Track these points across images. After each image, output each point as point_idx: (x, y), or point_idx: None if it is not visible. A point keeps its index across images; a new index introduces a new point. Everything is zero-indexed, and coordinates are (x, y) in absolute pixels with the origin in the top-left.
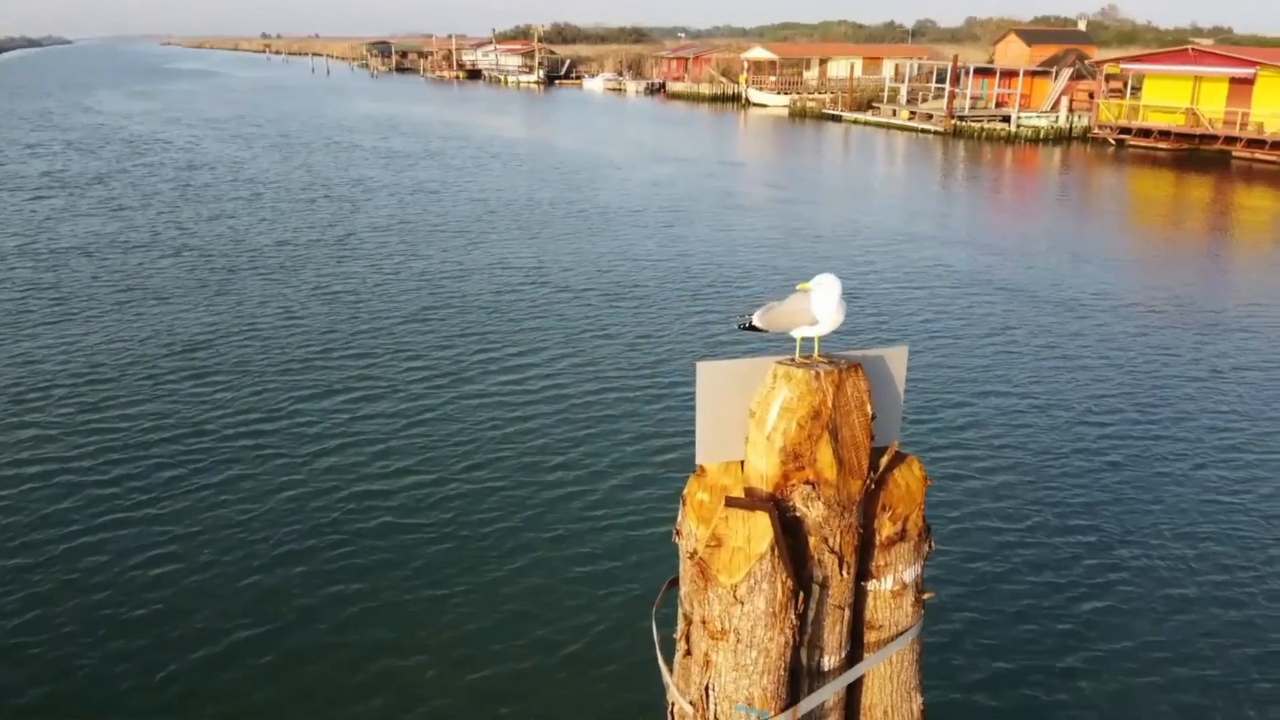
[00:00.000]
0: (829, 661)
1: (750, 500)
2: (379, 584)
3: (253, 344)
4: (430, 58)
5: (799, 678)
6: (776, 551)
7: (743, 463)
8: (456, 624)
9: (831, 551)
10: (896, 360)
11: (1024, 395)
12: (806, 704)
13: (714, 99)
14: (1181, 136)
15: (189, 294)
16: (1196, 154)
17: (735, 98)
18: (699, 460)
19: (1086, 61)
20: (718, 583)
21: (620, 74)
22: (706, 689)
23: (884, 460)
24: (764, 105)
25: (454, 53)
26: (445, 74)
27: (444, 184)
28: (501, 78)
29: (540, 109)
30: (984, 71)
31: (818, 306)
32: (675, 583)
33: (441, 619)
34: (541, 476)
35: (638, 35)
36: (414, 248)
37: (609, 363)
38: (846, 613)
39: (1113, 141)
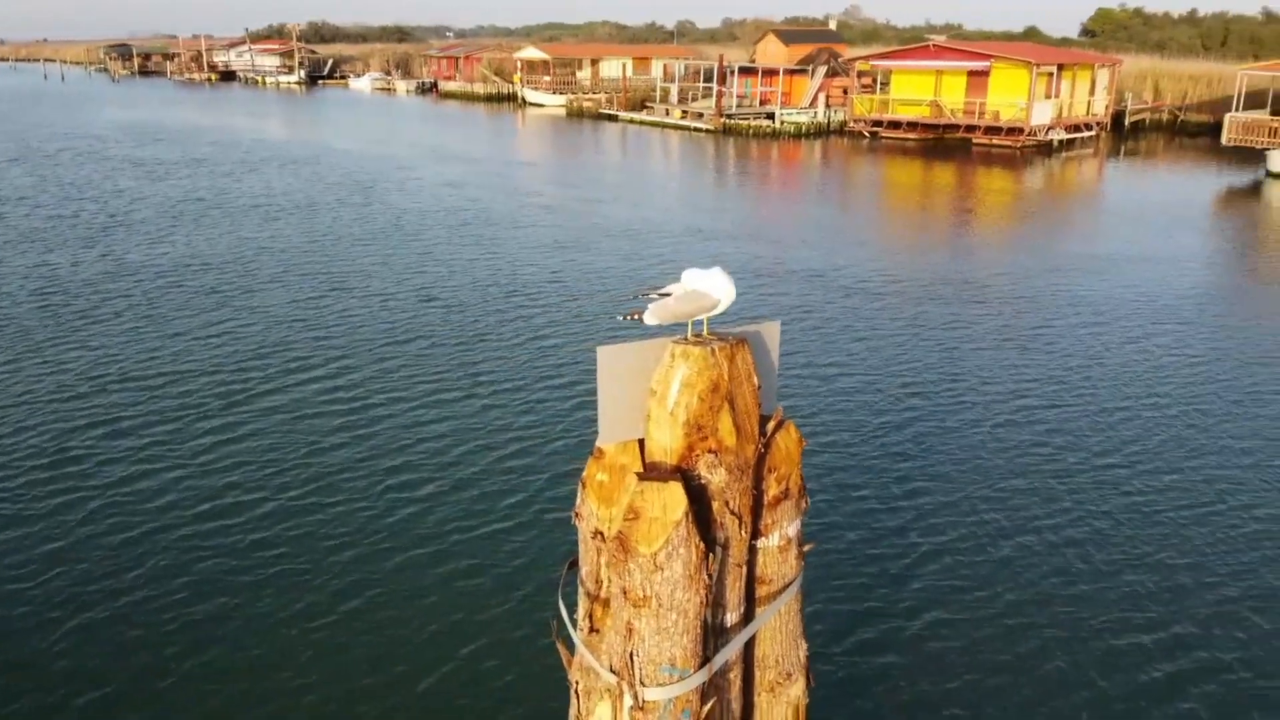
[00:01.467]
0: (731, 618)
1: (662, 473)
2: (256, 599)
3: (24, 370)
4: (177, 59)
5: (707, 636)
6: (689, 517)
7: (640, 441)
8: (338, 634)
9: (732, 514)
10: (771, 334)
11: (840, 368)
12: (719, 658)
13: (489, 98)
14: (928, 127)
15: None
16: (942, 142)
17: (511, 97)
18: (602, 441)
19: (839, 59)
20: (638, 553)
21: (388, 73)
22: (631, 656)
23: (771, 425)
24: (540, 105)
25: (204, 53)
26: (196, 76)
27: (219, 192)
28: (259, 79)
29: (308, 110)
30: (747, 71)
31: (718, 291)
32: (575, 564)
33: (318, 632)
34: (410, 491)
35: (401, 34)
36: (195, 261)
37: (454, 365)
38: (743, 570)
39: (867, 134)
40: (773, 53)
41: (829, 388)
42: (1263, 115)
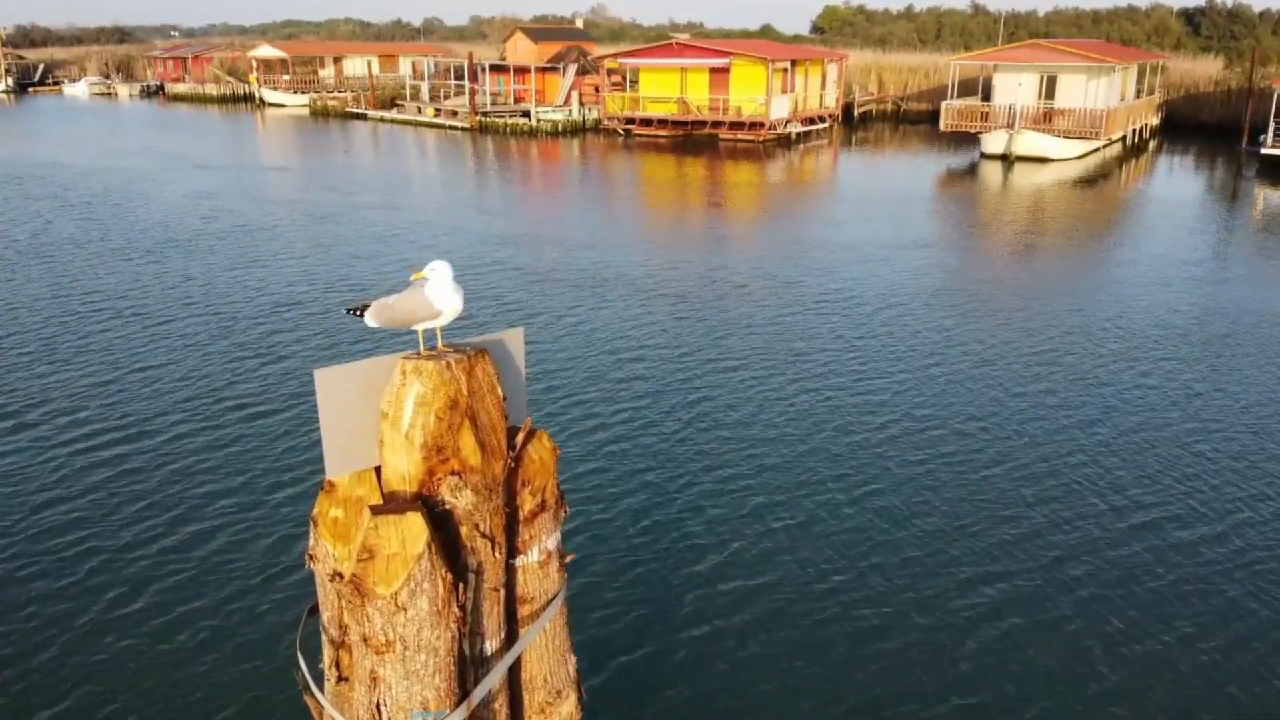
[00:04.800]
0: (491, 645)
1: (398, 504)
2: None
3: None
4: None
5: (465, 668)
6: (433, 549)
7: (377, 469)
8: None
9: (483, 536)
10: (514, 341)
11: (600, 369)
12: (478, 693)
13: (223, 100)
14: (677, 124)
15: None
16: (691, 139)
17: (248, 98)
18: (330, 474)
19: (589, 58)
20: (375, 595)
21: (108, 77)
22: (377, 707)
23: (520, 438)
24: (281, 105)
25: None
26: None
27: None
28: None
29: (23, 121)
30: (499, 69)
31: (436, 296)
32: (315, 610)
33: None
34: (134, 529)
35: (121, 35)
36: None
37: (202, 392)
38: (502, 593)
39: (621, 131)
40: (523, 51)
41: (591, 391)
42: (974, 102)
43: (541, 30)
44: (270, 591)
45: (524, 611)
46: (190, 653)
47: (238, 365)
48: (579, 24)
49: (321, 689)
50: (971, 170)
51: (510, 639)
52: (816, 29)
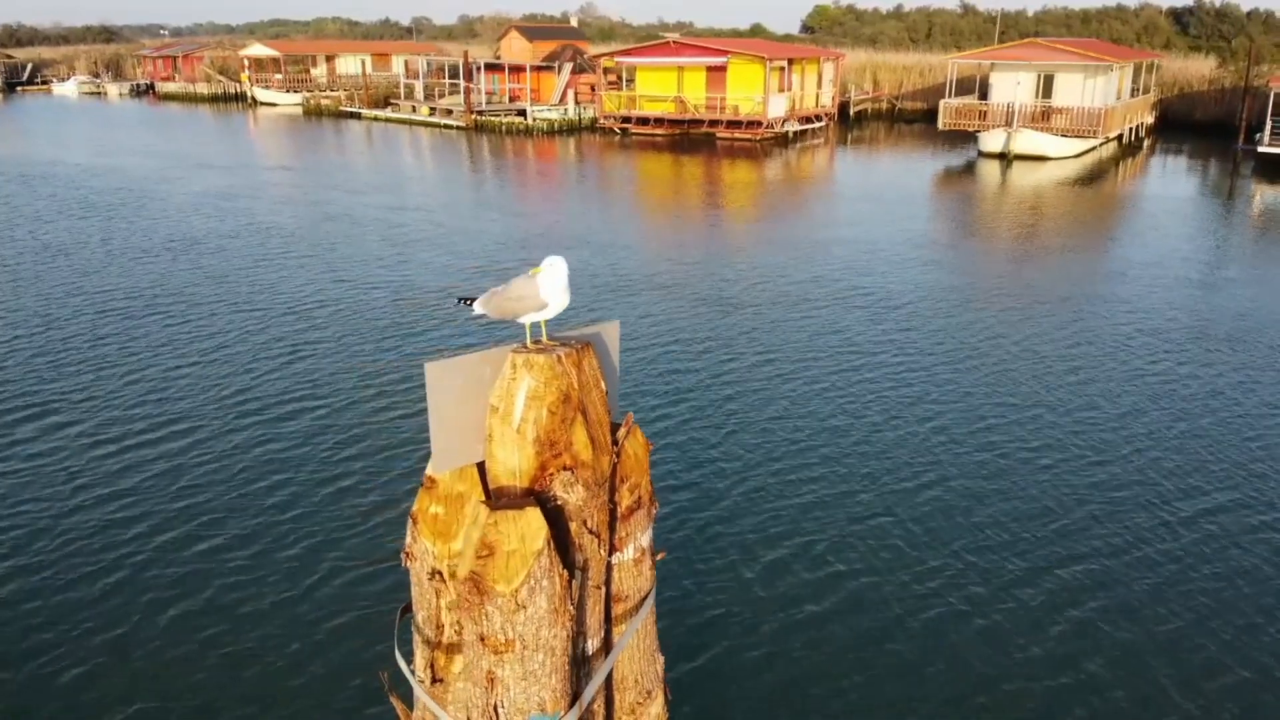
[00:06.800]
0: (592, 644)
1: (513, 498)
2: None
3: None
4: None
5: (573, 669)
6: (551, 546)
7: (479, 465)
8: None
9: (590, 532)
10: (611, 334)
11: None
12: (588, 692)
13: (214, 99)
14: (674, 123)
15: None
16: (688, 137)
17: (240, 97)
18: (436, 469)
19: (585, 56)
20: (495, 593)
21: (97, 76)
22: (495, 708)
23: (622, 433)
24: (273, 104)
25: None
26: None
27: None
28: None
29: (13, 121)
30: (494, 67)
31: (546, 290)
32: (408, 609)
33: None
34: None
35: (108, 34)
36: None
37: (264, 395)
38: (603, 591)
39: (618, 130)
40: (518, 49)
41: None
42: (973, 101)
43: (536, 29)
44: (337, 594)
45: (618, 610)
46: (265, 654)
47: (280, 364)
48: (573, 23)
49: (410, 690)
50: (970, 169)
51: (607, 638)
52: (807, 28)
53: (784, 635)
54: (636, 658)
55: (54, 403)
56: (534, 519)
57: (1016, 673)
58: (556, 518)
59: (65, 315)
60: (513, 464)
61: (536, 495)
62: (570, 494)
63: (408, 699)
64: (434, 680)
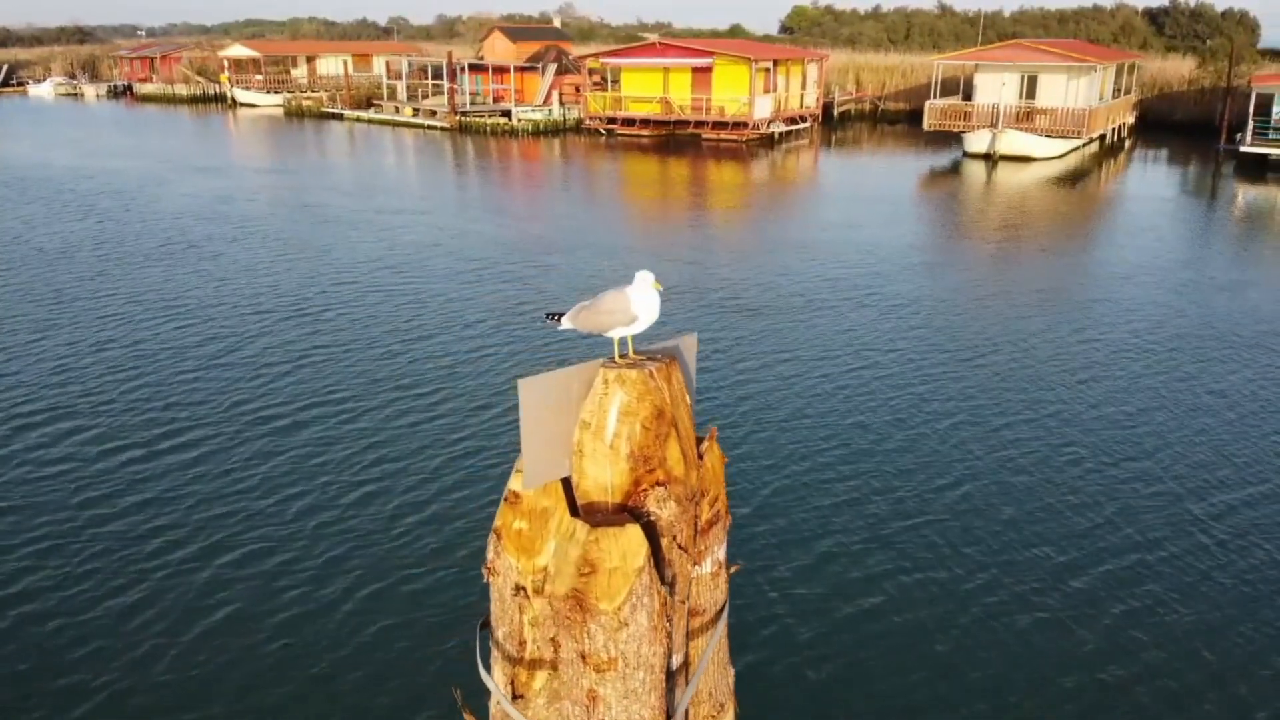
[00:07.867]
0: (676, 660)
1: (618, 515)
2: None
3: None
4: None
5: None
6: (651, 562)
7: (564, 481)
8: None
9: (680, 548)
10: (689, 347)
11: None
12: (680, 707)
13: (193, 100)
14: (660, 124)
15: None
16: (674, 138)
17: (220, 98)
18: (527, 486)
19: (569, 57)
20: (599, 611)
21: (73, 77)
22: None
23: (704, 446)
24: (254, 105)
25: None
26: None
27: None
28: None
29: None
30: (477, 68)
31: (637, 304)
32: (486, 624)
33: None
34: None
35: (82, 35)
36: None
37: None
38: (685, 606)
39: (603, 131)
40: (501, 50)
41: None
42: (958, 102)
43: (519, 29)
44: (402, 609)
45: (695, 624)
46: (320, 663)
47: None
48: (556, 23)
49: (486, 707)
50: (955, 169)
51: (687, 653)
52: (785, 29)
53: (826, 637)
54: (711, 671)
55: (104, 408)
56: (635, 536)
57: (1072, 666)
58: (649, 534)
59: (65, 319)
60: (605, 480)
61: (630, 511)
62: (663, 509)
63: (481, 714)
64: (515, 696)
